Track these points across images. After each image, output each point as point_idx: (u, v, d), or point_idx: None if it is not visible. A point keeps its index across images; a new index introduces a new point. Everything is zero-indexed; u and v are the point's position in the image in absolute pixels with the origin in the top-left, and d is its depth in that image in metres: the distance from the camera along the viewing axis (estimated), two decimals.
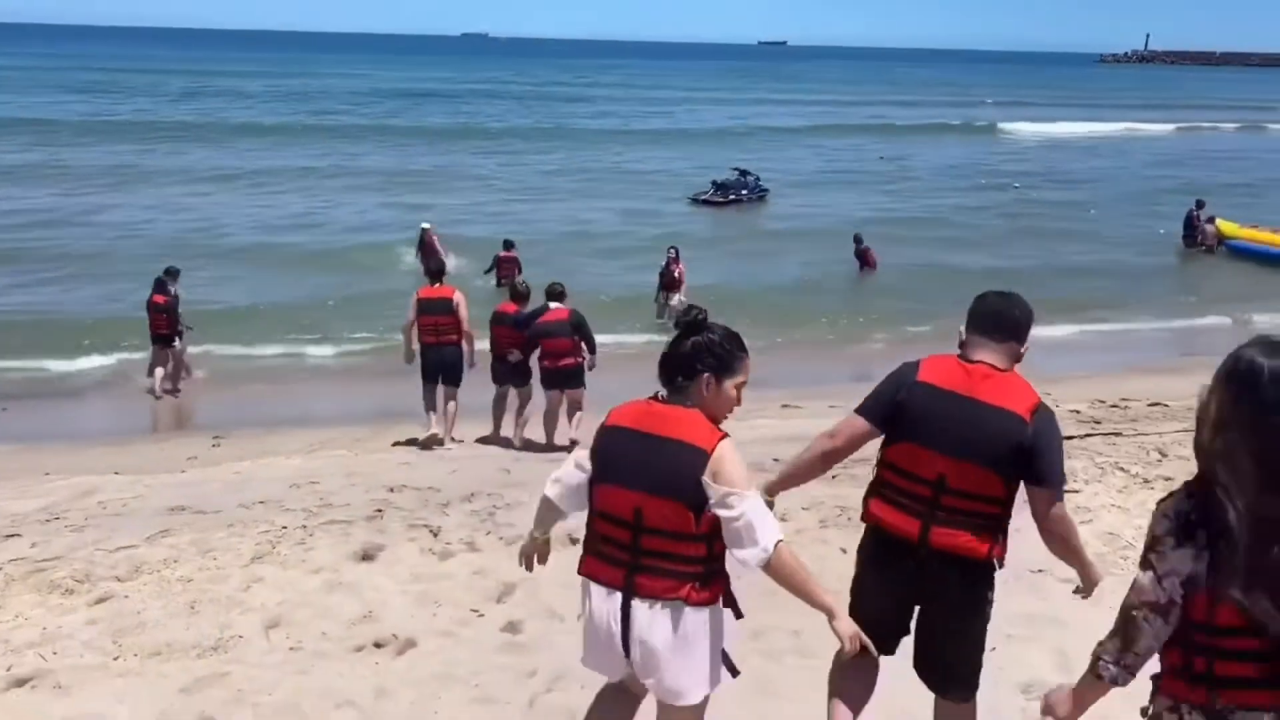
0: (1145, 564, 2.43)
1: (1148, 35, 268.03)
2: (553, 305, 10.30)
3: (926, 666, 3.53)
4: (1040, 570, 5.96)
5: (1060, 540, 3.37)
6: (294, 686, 4.67)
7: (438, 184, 31.99)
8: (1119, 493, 7.45)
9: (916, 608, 3.47)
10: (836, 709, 3.51)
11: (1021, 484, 3.33)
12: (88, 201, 27.23)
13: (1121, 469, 8.11)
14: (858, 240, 20.91)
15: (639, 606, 3.05)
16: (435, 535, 6.79)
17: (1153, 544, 2.41)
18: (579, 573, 3.29)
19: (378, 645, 5.08)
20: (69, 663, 4.90)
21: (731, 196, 28.93)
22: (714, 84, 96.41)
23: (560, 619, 5.33)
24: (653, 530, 3.03)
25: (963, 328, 3.45)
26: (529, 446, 10.74)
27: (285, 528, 7.08)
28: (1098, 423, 10.63)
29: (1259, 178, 37.71)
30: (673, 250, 16.28)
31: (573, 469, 3.32)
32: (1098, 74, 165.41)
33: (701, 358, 3.12)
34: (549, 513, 3.50)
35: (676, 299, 15.19)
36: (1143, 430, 9.87)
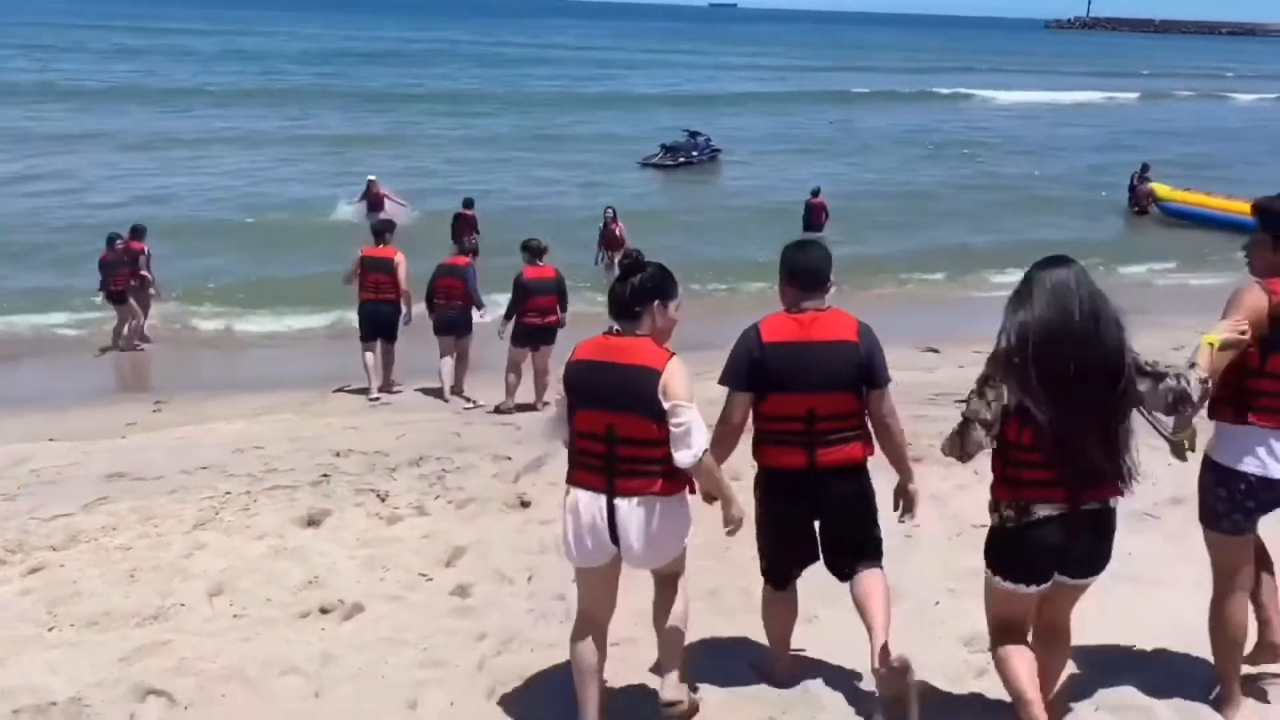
0: (980, 393, 3.47)
1: (1089, 1, 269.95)
2: (539, 262, 10.29)
3: (840, 556, 4.05)
4: (983, 526, 6.02)
5: (893, 430, 3.98)
6: (238, 654, 4.55)
7: (387, 147, 31.41)
8: None
9: (816, 524, 4.02)
10: (771, 629, 4.24)
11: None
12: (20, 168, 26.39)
13: None
14: (814, 193, 20.76)
15: (620, 503, 3.63)
16: (383, 500, 6.68)
17: (985, 379, 3.48)
18: (567, 483, 3.78)
19: (324, 611, 4.98)
20: (1, 634, 4.75)
21: (681, 159, 28.73)
22: (664, 46, 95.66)
23: (510, 582, 5.27)
24: (624, 440, 3.61)
25: (780, 284, 4.04)
26: (473, 406, 10.69)
27: (229, 494, 6.93)
28: None
29: (1218, 148, 38.05)
30: (610, 210, 17.02)
31: (558, 403, 3.89)
32: (1046, 39, 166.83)
33: (646, 290, 3.72)
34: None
35: (620, 256, 15.69)
36: None
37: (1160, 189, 24.26)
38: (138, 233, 13.75)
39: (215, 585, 5.23)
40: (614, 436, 3.62)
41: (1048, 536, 3.47)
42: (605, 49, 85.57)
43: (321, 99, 43.21)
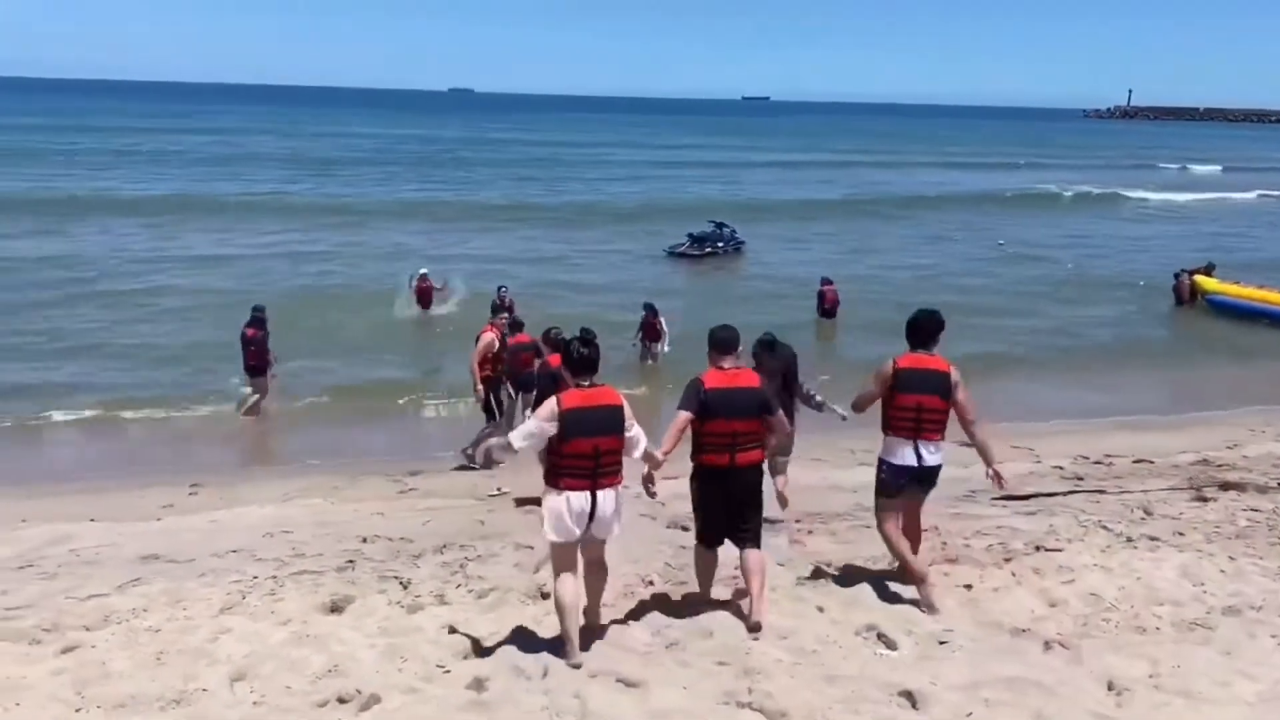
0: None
1: (1130, 91, 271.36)
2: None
3: (740, 534, 6.12)
4: (1024, 630, 6.02)
5: (779, 435, 6.34)
6: None
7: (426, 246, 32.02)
8: (1101, 552, 7.42)
9: (728, 506, 6.06)
10: (702, 579, 6.41)
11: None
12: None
13: (1105, 527, 8.09)
14: (824, 281, 21.12)
15: (601, 495, 5.49)
16: (405, 587, 6.82)
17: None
18: (559, 488, 5.44)
19: (341, 700, 5.09)
20: (31, 715, 4.90)
21: (708, 249, 29.16)
22: (705, 139, 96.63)
23: (526, 677, 5.34)
24: (605, 453, 5.48)
25: (709, 352, 6.10)
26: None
27: (256, 578, 7.11)
28: (1080, 479, 10.62)
29: None
30: (648, 306, 17.57)
31: (539, 430, 5.43)
32: (1091, 128, 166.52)
33: (597, 355, 5.62)
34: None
35: (659, 347, 17.16)
36: (1127, 487, 9.85)
37: (1206, 282, 24.09)
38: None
39: (238, 671, 5.37)
40: (599, 453, 5.44)
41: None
42: (659, 146, 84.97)
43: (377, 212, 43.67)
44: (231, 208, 36.66)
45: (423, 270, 20.87)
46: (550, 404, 5.40)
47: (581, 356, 5.54)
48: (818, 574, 7.00)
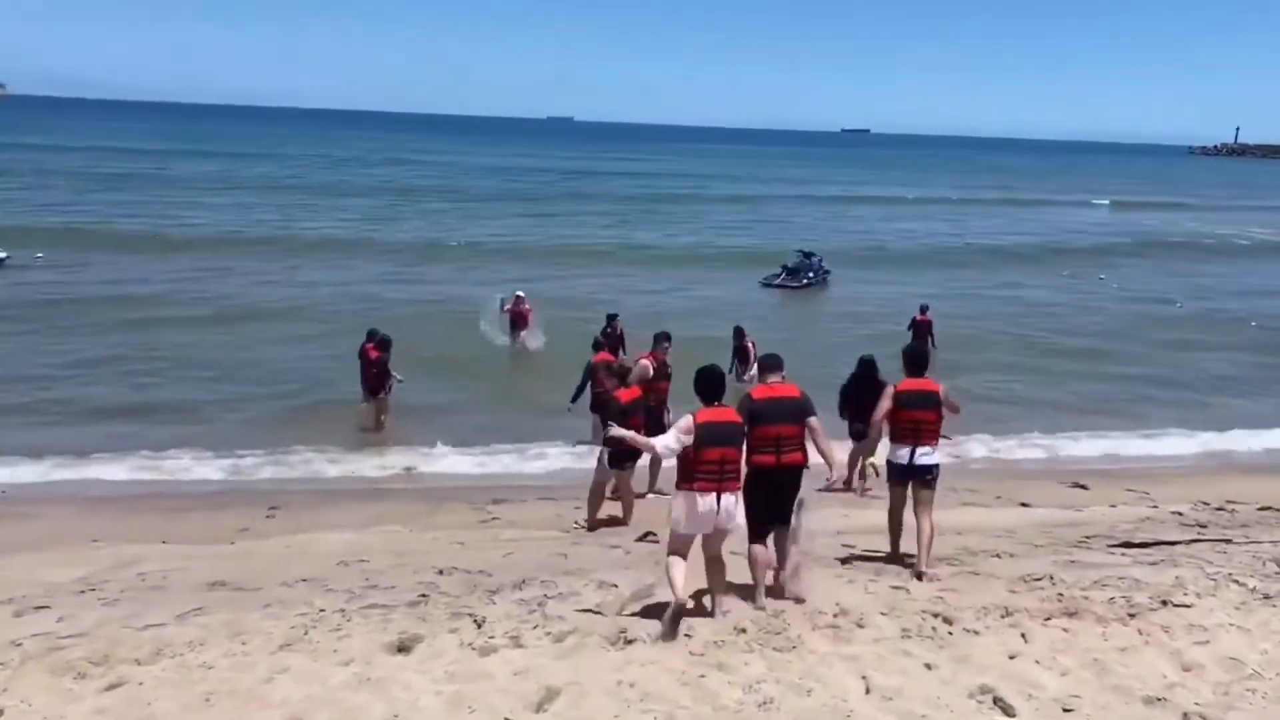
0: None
1: (1238, 128, 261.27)
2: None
3: (780, 520, 6.97)
4: (1158, 699, 5.22)
5: (820, 435, 7.01)
6: None
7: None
8: (1236, 609, 6.60)
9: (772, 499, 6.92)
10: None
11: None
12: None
13: (1237, 582, 7.20)
14: (921, 310, 20.72)
15: (725, 497, 6.43)
16: (479, 626, 6.25)
17: None
18: (690, 489, 6.38)
19: None
20: None
21: (805, 280, 29.68)
22: (804, 172, 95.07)
23: None
24: (729, 462, 6.46)
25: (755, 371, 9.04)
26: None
27: (323, 611, 6.64)
28: (1203, 527, 9.71)
29: None
30: (739, 329, 17.81)
31: (677, 443, 6.42)
32: (1206, 166, 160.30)
33: (723, 383, 6.76)
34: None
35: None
36: (1255, 538, 8.90)
37: None
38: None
39: (290, 718, 4.86)
40: (725, 461, 6.45)
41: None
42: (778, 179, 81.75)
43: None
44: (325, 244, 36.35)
45: (518, 292, 19.99)
46: (687, 419, 6.48)
47: (711, 379, 6.71)
48: (924, 626, 6.24)
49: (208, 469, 12.85)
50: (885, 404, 7.80)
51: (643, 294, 27.24)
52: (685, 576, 6.34)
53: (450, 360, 18.23)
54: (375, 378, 14.34)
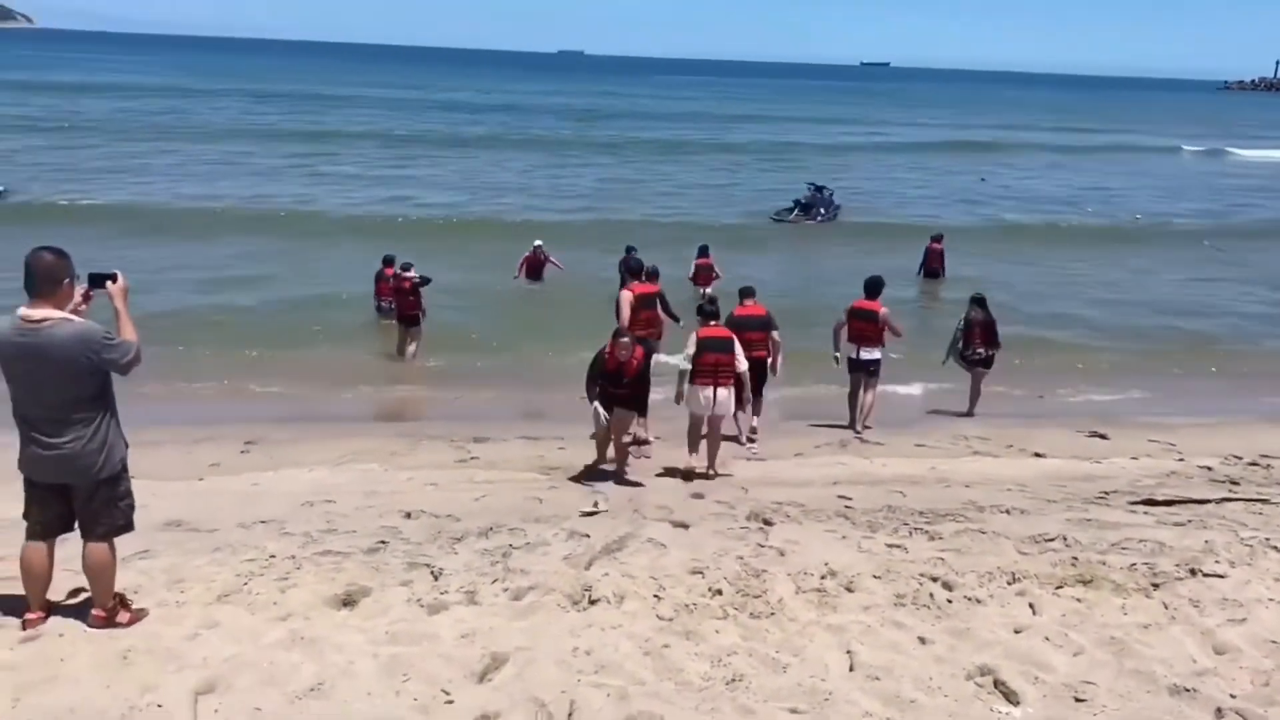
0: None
1: (1278, 61, 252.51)
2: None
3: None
4: (1187, 690, 4.69)
5: (778, 345, 10.77)
6: None
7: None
8: (1277, 582, 5.96)
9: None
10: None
11: None
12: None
13: (1276, 549, 6.57)
14: (935, 239, 21.36)
15: (719, 390, 9.20)
16: (436, 579, 5.83)
17: None
18: (694, 385, 9.25)
19: None
20: None
21: (818, 217, 29.00)
22: (831, 107, 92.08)
23: (548, 715, 4.27)
24: (723, 365, 9.22)
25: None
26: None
27: (273, 557, 6.23)
28: (1235, 484, 9.12)
29: None
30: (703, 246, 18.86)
31: (685, 360, 9.28)
32: (1244, 102, 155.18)
33: (718, 309, 10.06)
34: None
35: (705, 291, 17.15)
36: None
37: None
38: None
39: (207, 682, 4.44)
40: (718, 364, 9.12)
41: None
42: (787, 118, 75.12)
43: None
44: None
45: (537, 243, 19.79)
46: (692, 335, 9.33)
47: (708, 311, 9.68)
48: (921, 592, 5.75)
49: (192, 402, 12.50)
50: (842, 318, 11.54)
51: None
52: (697, 441, 9.41)
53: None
54: (412, 304, 14.47)
